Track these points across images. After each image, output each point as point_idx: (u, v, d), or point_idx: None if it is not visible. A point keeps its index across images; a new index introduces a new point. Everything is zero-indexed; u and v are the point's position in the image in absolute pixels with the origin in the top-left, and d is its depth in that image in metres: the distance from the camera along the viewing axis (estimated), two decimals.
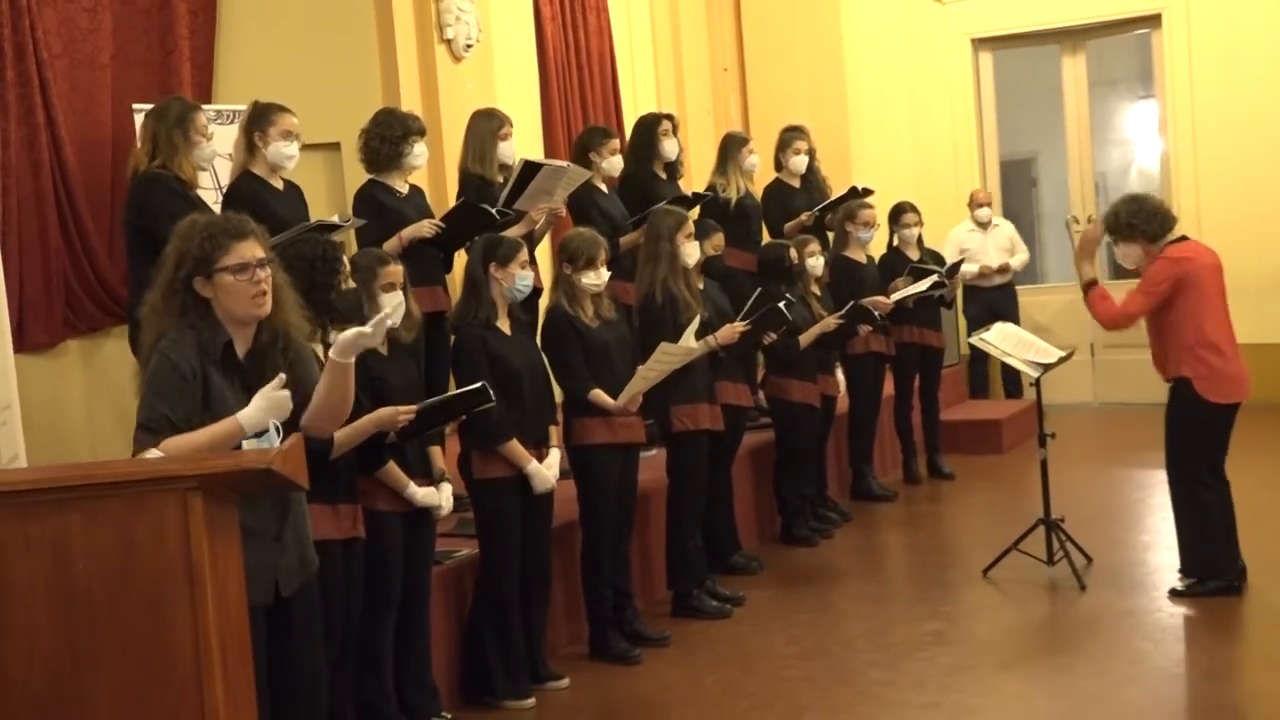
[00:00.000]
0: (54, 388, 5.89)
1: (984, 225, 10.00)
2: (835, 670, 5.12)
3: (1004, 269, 9.76)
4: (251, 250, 3.25)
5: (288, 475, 2.85)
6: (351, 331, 3.35)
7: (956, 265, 8.14)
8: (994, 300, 9.73)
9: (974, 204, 10.04)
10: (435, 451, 4.62)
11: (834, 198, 7.83)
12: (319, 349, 3.98)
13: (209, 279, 3.23)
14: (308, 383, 3.41)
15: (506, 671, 4.91)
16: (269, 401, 3.15)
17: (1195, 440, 5.57)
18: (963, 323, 9.87)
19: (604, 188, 6.72)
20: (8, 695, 2.70)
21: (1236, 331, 5.66)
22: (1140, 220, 5.55)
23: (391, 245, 5.30)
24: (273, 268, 3.31)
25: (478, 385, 4.41)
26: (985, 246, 9.92)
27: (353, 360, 3.37)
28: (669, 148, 7.03)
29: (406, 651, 4.52)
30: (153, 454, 3.11)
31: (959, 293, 9.70)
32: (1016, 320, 9.20)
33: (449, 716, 4.66)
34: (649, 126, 7.09)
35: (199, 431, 3.12)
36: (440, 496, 4.49)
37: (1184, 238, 5.63)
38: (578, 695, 5.03)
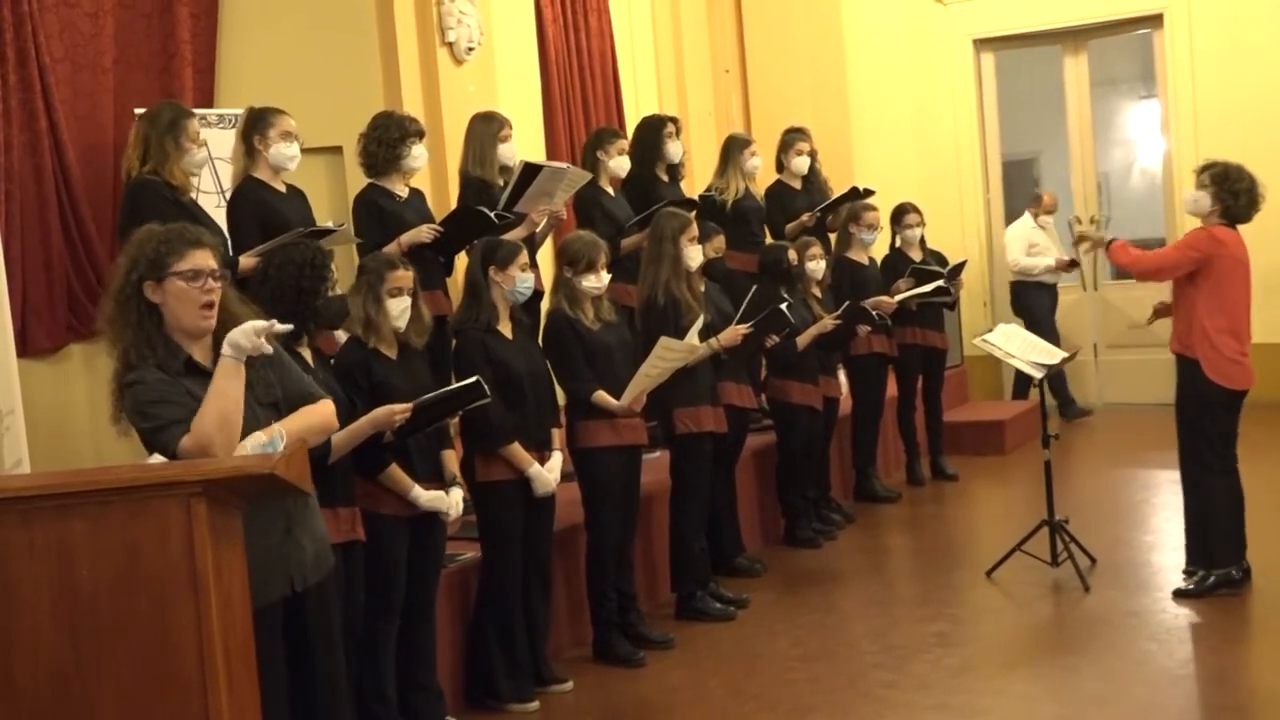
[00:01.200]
0: (57, 392, 5.89)
1: (1045, 230, 10.39)
2: (840, 672, 5.11)
3: (1074, 264, 9.89)
4: (205, 259, 3.26)
5: (291, 480, 2.86)
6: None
7: (959, 267, 8.13)
8: (1053, 296, 10.16)
9: (1045, 209, 10.36)
10: (449, 455, 4.61)
11: (835, 197, 7.84)
12: (306, 353, 4.00)
13: (160, 283, 3.23)
14: (289, 385, 3.42)
15: (510, 674, 4.91)
16: (232, 334, 3.17)
17: (1204, 425, 5.59)
18: (966, 324, 9.88)
19: (610, 189, 6.71)
20: (13, 701, 2.71)
21: None
22: (1245, 202, 5.60)
23: (390, 250, 5.29)
24: (223, 284, 3.31)
25: (472, 380, 4.39)
26: (1049, 246, 10.26)
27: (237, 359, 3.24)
28: (673, 150, 7.03)
29: (411, 655, 4.52)
30: (156, 459, 3.12)
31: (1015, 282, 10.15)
32: (1053, 321, 9.72)
33: None
34: (653, 128, 7.09)
35: (202, 406, 3.13)
36: (449, 501, 4.48)
37: (1232, 226, 5.66)
38: (581, 698, 5.03)
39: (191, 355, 3.25)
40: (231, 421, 3.13)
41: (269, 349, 3.22)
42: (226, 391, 3.14)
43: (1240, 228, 5.70)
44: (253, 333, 3.17)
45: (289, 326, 3.32)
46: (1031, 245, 10.18)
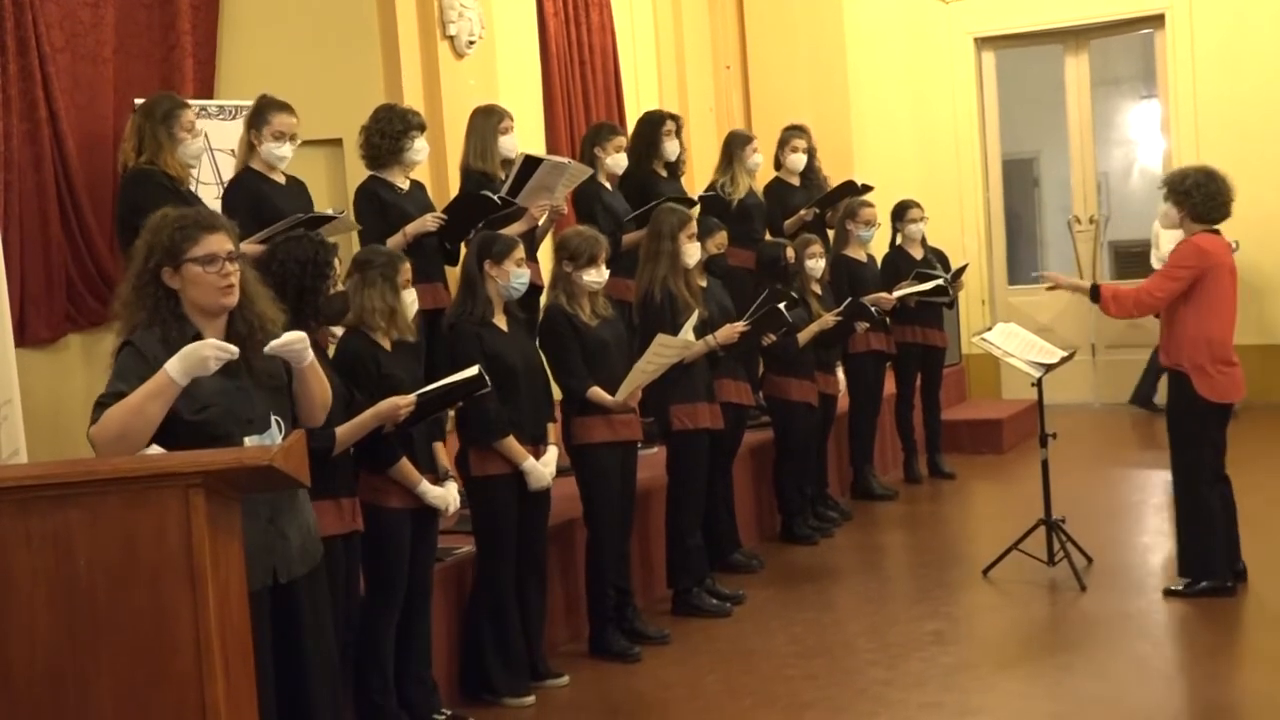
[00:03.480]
0: (55, 383, 5.88)
1: None
2: (836, 669, 5.11)
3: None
4: (221, 243, 3.26)
5: (289, 472, 2.85)
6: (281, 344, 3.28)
7: (960, 270, 8.13)
8: None
9: None
10: (439, 448, 4.62)
11: (830, 190, 7.83)
12: None
13: (177, 270, 3.23)
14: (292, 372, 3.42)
15: (506, 668, 4.91)
16: (189, 349, 3.10)
17: (1196, 438, 5.57)
18: (965, 323, 9.87)
19: (608, 185, 6.71)
20: (10, 691, 2.70)
21: (1238, 332, 5.66)
22: (1200, 197, 5.51)
23: (396, 241, 5.31)
24: (241, 264, 3.32)
25: (473, 371, 4.39)
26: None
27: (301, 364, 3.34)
28: (671, 148, 7.03)
29: (407, 648, 4.52)
30: (155, 450, 3.11)
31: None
32: None
33: (448, 713, 4.65)
34: (653, 125, 7.08)
35: (120, 407, 3.08)
36: (448, 498, 4.49)
37: (1216, 231, 5.63)
38: (577, 693, 5.03)
39: (202, 333, 3.24)
40: (129, 440, 3.05)
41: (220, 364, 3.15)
42: (144, 410, 3.06)
43: (1240, 227, 5.67)
44: (212, 359, 3.10)
45: (235, 352, 3.18)
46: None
